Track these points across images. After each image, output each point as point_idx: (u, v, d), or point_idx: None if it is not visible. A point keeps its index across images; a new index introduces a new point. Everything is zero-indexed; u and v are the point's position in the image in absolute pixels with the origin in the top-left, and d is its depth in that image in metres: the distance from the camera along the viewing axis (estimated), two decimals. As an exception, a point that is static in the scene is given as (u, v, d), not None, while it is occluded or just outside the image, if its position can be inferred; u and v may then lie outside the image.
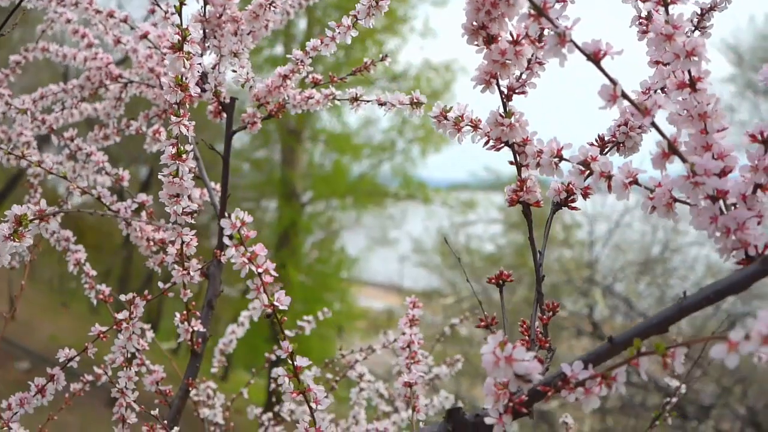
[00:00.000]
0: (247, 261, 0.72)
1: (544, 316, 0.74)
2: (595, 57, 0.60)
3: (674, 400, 1.25)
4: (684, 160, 0.60)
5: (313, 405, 0.75)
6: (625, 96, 0.60)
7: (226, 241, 0.72)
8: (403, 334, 1.10)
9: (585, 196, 0.79)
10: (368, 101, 1.06)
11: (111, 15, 1.19)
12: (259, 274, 0.73)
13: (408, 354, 1.08)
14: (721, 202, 0.62)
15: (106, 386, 1.06)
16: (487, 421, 0.64)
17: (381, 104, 0.98)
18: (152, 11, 1.13)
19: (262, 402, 5.01)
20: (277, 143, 11.27)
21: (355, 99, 1.08)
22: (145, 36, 1.13)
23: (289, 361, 0.76)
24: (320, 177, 11.10)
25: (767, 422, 5.90)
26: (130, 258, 10.46)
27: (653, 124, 0.60)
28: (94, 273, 1.23)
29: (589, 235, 7.79)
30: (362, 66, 1.15)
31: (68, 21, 1.33)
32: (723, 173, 0.62)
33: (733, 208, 0.62)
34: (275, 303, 0.74)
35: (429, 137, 11.10)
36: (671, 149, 0.61)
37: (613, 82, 0.60)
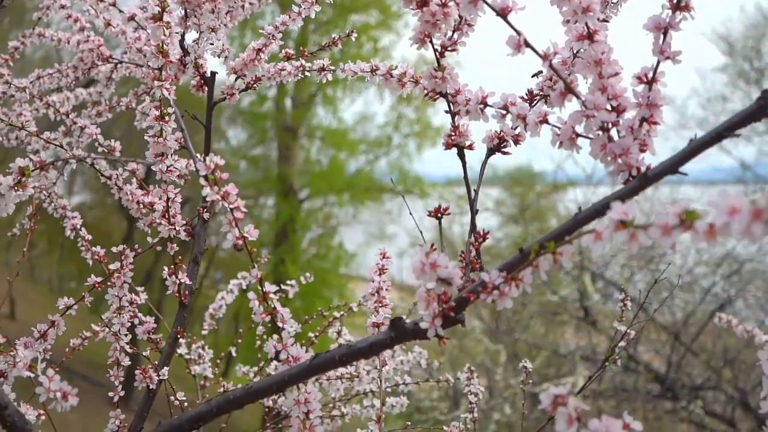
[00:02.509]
0: (220, 198, 0.84)
1: (476, 243, 0.86)
2: (503, 12, 0.71)
3: (622, 344, 1.36)
4: (578, 97, 0.72)
5: (280, 324, 0.87)
6: (527, 45, 0.71)
7: (201, 181, 0.83)
8: (373, 281, 1.21)
9: (516, 142, 0.90)
10: (333, 70, 1.17)
11: (100, -1, 1.31)
12: (231, 210, 0.84)
13: (377, 298, 1.20)
14: (614, 133, 0.73)
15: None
16: (422, 325, 0.76)
17: (343, 72, 1.09)
18: (139, -5, 1.24)
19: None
20: (274, 140, 11.38)
21: (322, 69, 1.20)
22: (132, 18, 1.24)
23: (259, 287, 0.87)
24: (317, 173, 11.19)
25: (757, 404, 6.01)
26: (130, 255, 10.54)
27: (551, 68, 0.72)
28: (89, 237, 1.34)
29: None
30: (331, 41, 1.27)
31: (62, 7, 1.44)
32: (617, 111, 0.74)
33: (625, 139, 0.73)
34: (245, 235, 0.86)
35: (425, 132, 11.21)
36: (567, 89, 0.72)
37: (518, 32, 0.71)
